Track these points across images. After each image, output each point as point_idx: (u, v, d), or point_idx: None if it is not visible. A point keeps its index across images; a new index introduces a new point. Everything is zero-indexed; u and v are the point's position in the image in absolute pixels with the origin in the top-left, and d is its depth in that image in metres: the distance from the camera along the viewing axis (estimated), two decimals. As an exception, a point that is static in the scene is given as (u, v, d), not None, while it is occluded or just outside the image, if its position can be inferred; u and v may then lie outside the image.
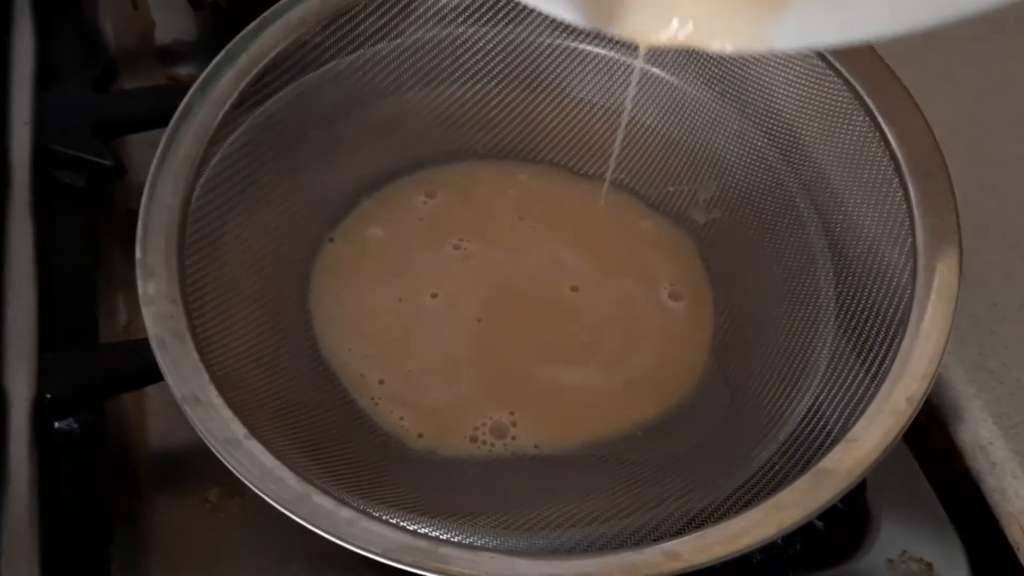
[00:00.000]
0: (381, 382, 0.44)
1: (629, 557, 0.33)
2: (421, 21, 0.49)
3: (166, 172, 0.41)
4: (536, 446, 0.43)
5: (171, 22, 0.67)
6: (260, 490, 0.34)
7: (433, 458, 0.42)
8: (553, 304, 0.47)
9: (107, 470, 0.43)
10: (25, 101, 0.55)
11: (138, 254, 0.38)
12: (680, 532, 0.34)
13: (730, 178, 0.48)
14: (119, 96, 0.59)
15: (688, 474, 0.40)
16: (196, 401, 0.35)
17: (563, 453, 0.43)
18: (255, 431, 0.35)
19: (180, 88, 0.43)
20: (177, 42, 0.67)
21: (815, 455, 0.37)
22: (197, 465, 0.43)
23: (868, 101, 0.42)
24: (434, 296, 0.47)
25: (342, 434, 0.41)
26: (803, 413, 0.40)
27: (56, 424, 0.43)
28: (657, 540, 0.34)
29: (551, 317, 0.46)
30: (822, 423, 0.39)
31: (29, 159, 0.52)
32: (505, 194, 0.50)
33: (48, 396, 0.43)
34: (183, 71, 0.66)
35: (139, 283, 0.38)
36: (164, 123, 0.42)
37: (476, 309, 0.46)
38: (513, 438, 0.43)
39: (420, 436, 0.43)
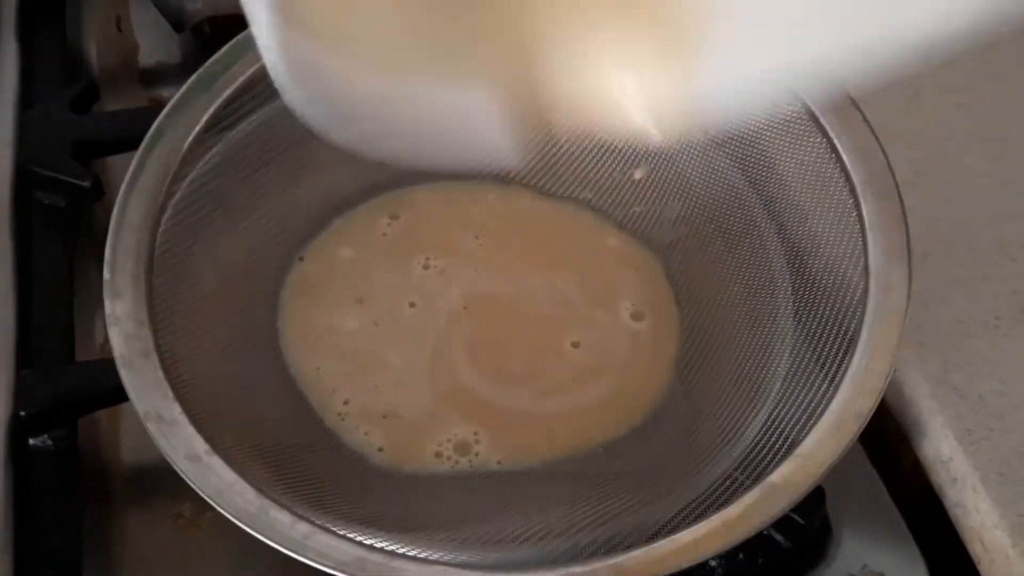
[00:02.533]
0: (346, 402, 0.45)
1: (576, 571, 0.34)
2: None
3: (136, 194, 0.42)
4: (498, 462, 0.44)
5: (155, 45, 0.68)
6: (217, 504, 0.35)
7: (397, 473, 0.43)
8: (520, 324, 0.48)
9: (81, 486, 0.44)
10: (7, 121, 0.55)
11: (106, 275, 0.39)
12: (630, 546, 0.35)
13: (695, 198, 0.49)
14: (99, 118, 0.60)
15: (645, 489, 0.40)
16: (159, 418, 0.36)
17: (524, 469, 0.43)
18: (217, 447, 0.36)
19: (159, 110, 0.44)
20: (160, 64, 0.68)
21: (769, 467, 0.38)
22: (170, 481, 0.40)
23: (823, 122, 0.43)
24: (412, 305, 0.48)
25: (307, 450, 0.42)
26: (759, 428, 0.41)
27: (31, 440, 0.44)
28: (608, 554, 0.35)
29: (517, 337, 0.47)
30: (778, 436, 0.40)
31: (10, 179, 0.53)
32: (472, 213, 0.51)
33: (23, 413, 0.44)
34: (166, 93, 0.66)
35: (106, 303, 0.39)
36: (141, 148, 0.43)
37: (442, 328, 0.47)
38: (476, 455, 0.44)
39: (383, 451, 0.44)
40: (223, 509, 0.35)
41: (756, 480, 0.37)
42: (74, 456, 0.44)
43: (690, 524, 0.35)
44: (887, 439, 0.47)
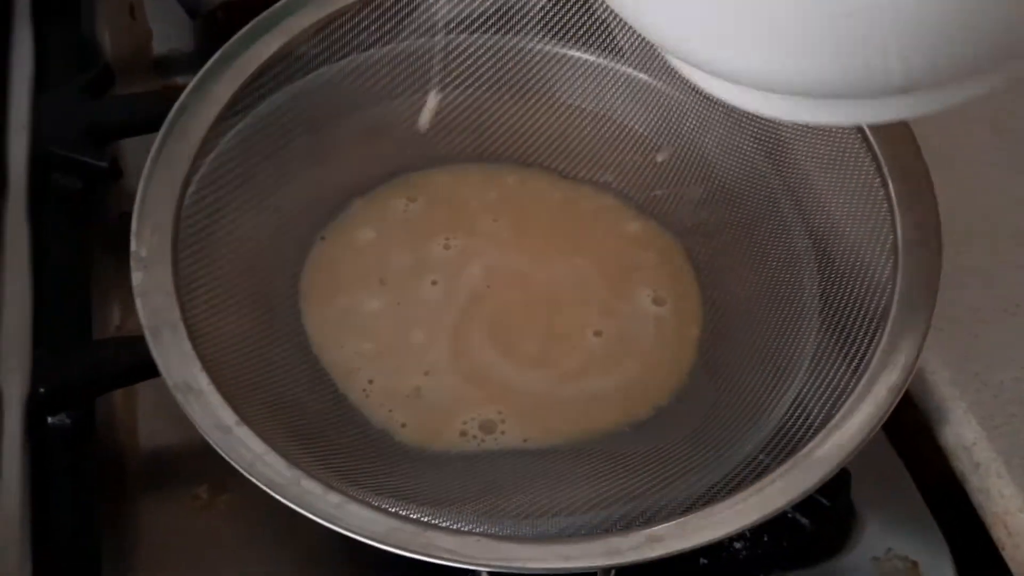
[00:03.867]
0: (371, 381, 0.45)
1: (613, 541, 0.34)
2: (413, 28, 0.49)
3: (161, 168, 0.42)
4: (524, 441, 0.43)
5: (168, 32, 0.67)
6: (250, 474, 0.35)
7: (423, 451, 0.43)
8: (541, 308, 0.47)
9: (98, 466, 0.44)
10: (23, 106, 0.56)
11: (133, 246, 0.39)
12: (664, 519, 0.35)
13: (717, 181, 0.49)
14: (115, 100, 0.60)
15: (673, 467, 0.40)
16: (188, 388, 0.36)
17: (550, 448, 0.43)
18: (246, 419, 0.35)
19: (175, 94, 0.44)
20: (174, 52, 0.67)
21: (797, 447, 0.38)
22: (187, 461, 0.43)
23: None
24: (434, 283, 0.47)
25: (332, 426, 0.42)
26: (787, 407, 0.41)
27: (49, 419, 0.44)
28: (642, 526, 0.34)
29: (539, 320, 0.47)
30: (805, 416, 0.40)
31: (26, 162, 0.53)
32: (491, 196, 0.50)
33: (41, 391, 0.43)
34: (179, 80, 0.66)
35: (133, 275, 0.38)
36: (159, 127, 0.43)
37: (464, 307, 0.47)
38: (503, 433, 0.44)
39: (407, 427, 0.43)
40: (256, 479, 0.35)
41: (787, 458, 0.37)
42: (91, 435, 0.44)
43: (723, 498, 0.35)
44: (907, 427, 0.47)
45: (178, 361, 0.36)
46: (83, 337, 0.48)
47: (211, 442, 0.35)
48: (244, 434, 0.35)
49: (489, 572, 0.35)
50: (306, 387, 0.43)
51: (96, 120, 0.56)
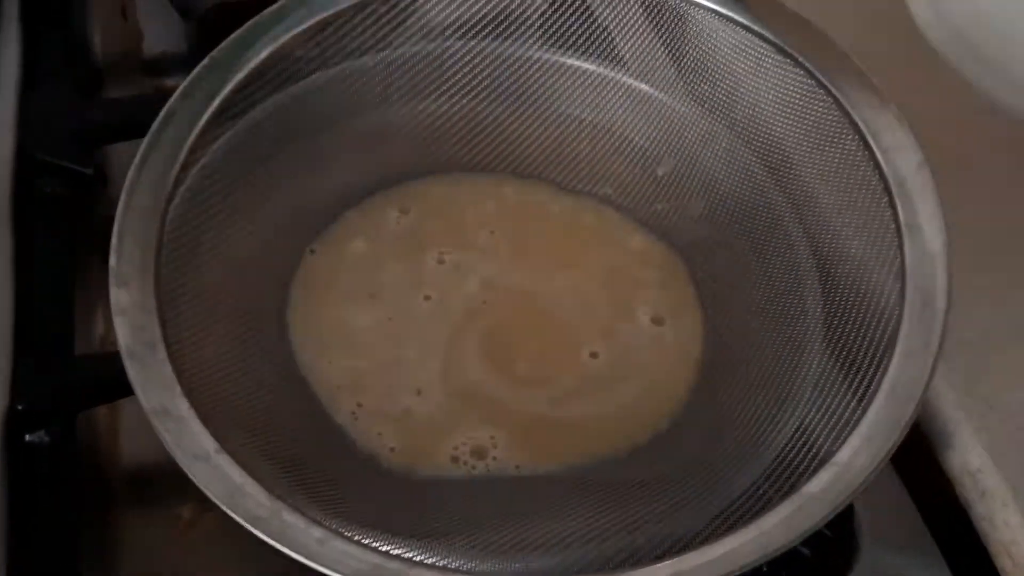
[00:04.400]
0: (360, 404, 0.43)
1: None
2: (409, 34, 0.48)
3: (145, 178, 0.40)
4: (517, 467, 0.42)
5: (160, 33, 0.66)
6: (228, 507, 0.33)
7: (411, 477, 0.41)
8: (538, 326, 0.46)
9: (78, 484, 0.43)
10: (8, 106, 0.54)
11: (112, 261, 0.37)
12: (660, 557, 0.33)
13: (719, 196, 0.48)
14: (103, 104, 0.59)
15: (671, 497, 0.39)
16: (165, 413, 0.34)
17: (544, 475, 0.42)
18: (226, 445, 0.34)
19: (165, 97, 0.42)
20: (165, 54, 0.66)
21: (801, 479, 0.36)
22: (171, 480, 0.39)
23: (858, 121, 0.42)
24: (427, 298, 0.46)
25: (318, 450, 0.41)
26: (789, 436, 0.39)
27: (27, 436, 0.42)
28: (635, 565, 0.33)
29: (535, 339, 0.46)
30: (808, 446, 0.39)
31: (11, 166, 0.52)
32: (488, 208, 0.49)
33: (20, 407, 0.42)
34: (170, 83, 0.65)
35: (111, 291, 0.37)
36: (147, 132, 0.41)
37: (458, 324, 0.46)
38: (494, 459, 0.42)
39: (395, 451, 0.42)
40: (233, 512, 0.33)
41: (787, 492, 0.35)
42: (72, 453, 0.43)
43: (721, 535, 0.34)
44: (911, 450, 0.44)
45: (156, 384, 0.35)
46: (65, 351, 0.47)
47: (187, 472, 0.34)
48: (223, 462, 0.34)
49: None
50: (293, 409, 0.42)
51: (83, 124, 0.55)
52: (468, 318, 0.46)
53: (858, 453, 0.35)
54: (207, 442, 0.34)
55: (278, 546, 0.33)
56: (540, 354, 0.45)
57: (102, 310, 0.48)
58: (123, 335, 0.35)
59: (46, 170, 0.53)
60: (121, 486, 0.44)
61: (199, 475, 0.33)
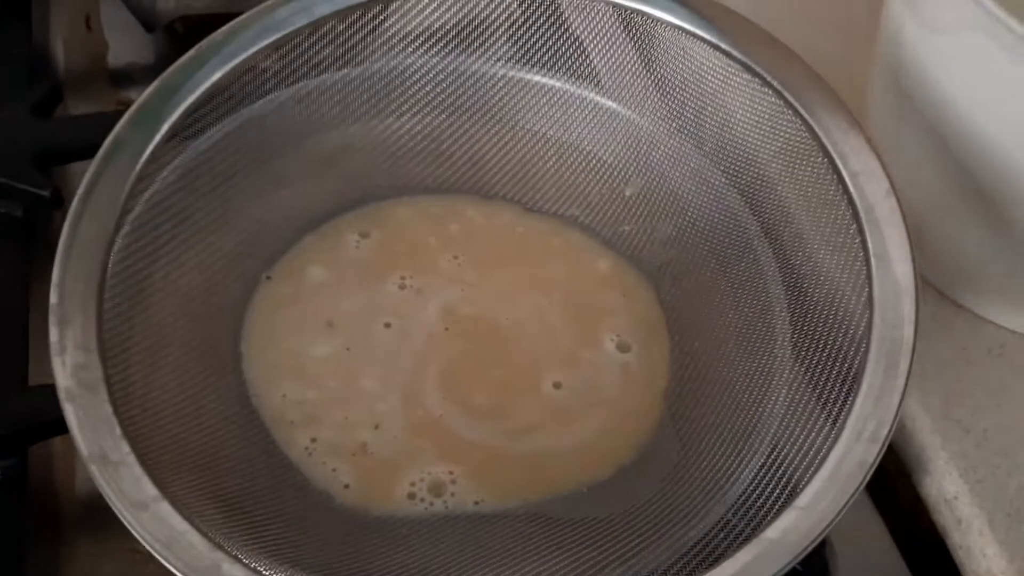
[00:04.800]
0: (313, 439, 0.42)
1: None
2: (368, 51, 0.47)
3: (91, 209, 0.39)
4: (476, 503, 0.41)
5: (125, 45, 0.65)
6: (164, 558, 0.32)
7: (366, 515, 0.40)
8: (501, 354, 0.45)
9: (31, 516, 0.42)
10: None
11: (52, 299, 0.36)
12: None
13: (688, 217, 0.47)
14: (61, 123, 0.57)
15: (633, 535, 0.38)
16: (104, 459, 0.33)
17: (503, 512, 0.41)
18: (168, 490, 0.33)
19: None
20: (130, 66, 0.65)
21: (765, 517, 0.35)
22: None
23: (826, 144, 0.41)
24: (387, 326, 0.45)
25: (269, 488, 0.39)
26: (755, 471, 0.38)
27: (-24, 470, 0.41)
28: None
29: (497, 368, 0.44)
30: (777, 480, 0.38)
31: None
32: (451, 231, 0.48)
33: (-32, 441, 0.41)
34: (136, 96, 0.64)
35: (51, 331, 0.35)
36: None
37: (419, 353, 0.44)
38: (452, 495, 0.41)
39: (350, 488, 0.41)
40: (169, 563, 0.32)
41: (755, 528, 0.35)
42: (23, 487, 0.42)
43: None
44: (886, 474, 0.45)
45: (95, 428, 0.33)
46: (19, 380, 0.46)
47: (125, 521, 0.32)
48: (162, 511, 0.32)
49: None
50: (244, 445, 0.40)
51: (40, 144, 0.53)
52: (429, 346, 0.45)
53: (820, 497, 0.34)
54: (147, 488, 0.33)
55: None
56: (502, 385, 0.44)
57: (58, 338, 0.48)
58: (62, 377, 0.34)
59: (1, 191, 0.51)
60: (75, 520, 0.43)
61: (137, 524, 0.32)
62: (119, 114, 0.45)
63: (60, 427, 0.38)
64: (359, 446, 0.42)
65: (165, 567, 0.39)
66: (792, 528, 0.33)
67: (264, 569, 0.33)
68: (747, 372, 0.42)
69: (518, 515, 0.40)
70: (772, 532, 0.33)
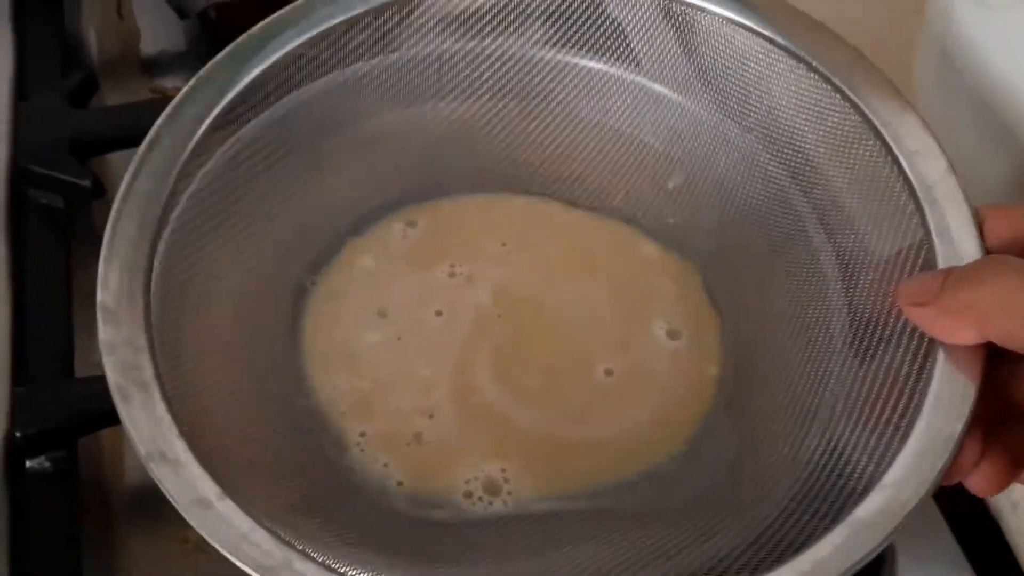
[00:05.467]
0: (363, 434, 0.41)
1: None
2: (405, 37, 0.46)
3: (133, 203, 0.38)
4: (531, 498, 0.40)
5: (158, 32, 0.65)
6: (235, 557, 0.32)
7: (424, 519, 0.39)
8: (551, 343, 0.44)
9: (80, 511, 0.42)
10: (2, 116, 0.53)
11: (99, 296, 0.36)
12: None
13: (736, 203, 0.46)
14: (99, 113, 0.57)
15: (692, 525, 0.37)
16: (162, 458, 0.33)
17: (557, 504, 0.40)
18: (228, 490, 0.32)
19: (161, 104, 0.40)
20: (163, 53, 0.65)
21: (837, 502, 0.34)
22: None
23: (877, 124, 0.40)
24: (439, 314, 0.44)
25: (326, 489, 0.39)
26: (821, 454, 0.37)
27: (27, 463, 0.42)
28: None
29: (548, 357, 0.44)
30: (843, 467, 0.37)
31: (5, 177, 0.51)
32: (496, 219, 0.47)
33: (18, 434, 0.41)
34: (168, 83, 0.64)
35: (99, 328, 0.35)
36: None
37: (470, 340, 0.44)
38: (509, 493, 0.40)
39: (404, 486, 0.40)
40: (242, 563, 0.32)
41: (827, 516, 0.33)
42: (74, 479, 0.42)
43: (770, 566, 0.32)
44: None
45: (151, 427, 0.33)
46: (66, 371, 0.46)
47: (191, 521, 0.32)
48: (227, 509, 0.32)
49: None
50: (296, 441, 0.40)
51: (78, 134, 0.53)
52: (480, 333, 0.44)
53: (907, 475, 0.33)
54: (208, 487, 0.32)
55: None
56: (554, 371, 0.43)
57: (103, 329, 0.48)
58: (113, 375, 0.34)
59: (41, 182, 0.51)
60: (125, 511, 0.43)
61: (201, 523, 0.32)
62: (155, 103, 0.45)
63: (109, 419, 0.40)
64: (413, 436, 0.41)
65: (214, 554, 0.40)
66: (881, 507, 0.32)
67: (335, 564, 0.32)
68: (803, 357, 0.41)
69: (573, 507, 0.40)
70: (861, 512, 0.32)
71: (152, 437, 0.33)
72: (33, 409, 0.42)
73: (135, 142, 0.40)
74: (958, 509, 0.44)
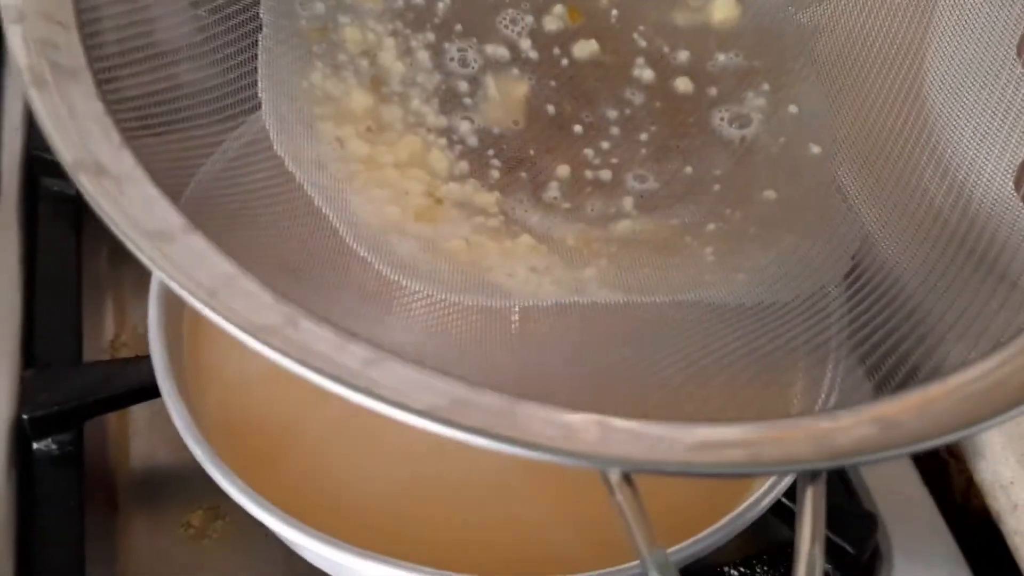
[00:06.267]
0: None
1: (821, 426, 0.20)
2: None
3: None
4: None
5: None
6: (213, 309, 0.20)
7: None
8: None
9: (85, 493, 0.40)
10: (17, 107, 0.50)
11: None
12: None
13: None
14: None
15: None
16: (98, 170, 0.21)
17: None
18: (197, 221, 0.21)
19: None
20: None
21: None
22: (180, 488, 0.40)
23: None
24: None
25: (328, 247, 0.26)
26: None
27: (34, 445, 0.40)
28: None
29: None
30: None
31: (19, 165, 0.48)
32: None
33: (26, 416, 0.40)
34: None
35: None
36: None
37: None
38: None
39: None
40: (224, 319, 0.20)
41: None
42: (79, 462, 0.40)
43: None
44: (938, 457, 0.44)
45: (82, 127, 0.22)
46: (73, 356, 0.44)
47: (140, 255, 0.20)
48: (198, 244, 0.20)
49: (623, 471, 0.21)
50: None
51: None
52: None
53: None
54: (170, 215, 0.21)
55: (307, 373, 0.20)
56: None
57: (112, 312, 0.46)
58: (19, 53, 0.23)
59: (54, 169, 0.45)
60: (129, 494, 0.41)
61: (162, 260, 0.20)
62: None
63: (115, 403, 0.40)
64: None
65: (218, 537, 0.37)
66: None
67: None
68: None
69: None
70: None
71: (83, 140, 0.22)
72: (41, 392, 0.40)
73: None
74: (957, 510, 0.42)
